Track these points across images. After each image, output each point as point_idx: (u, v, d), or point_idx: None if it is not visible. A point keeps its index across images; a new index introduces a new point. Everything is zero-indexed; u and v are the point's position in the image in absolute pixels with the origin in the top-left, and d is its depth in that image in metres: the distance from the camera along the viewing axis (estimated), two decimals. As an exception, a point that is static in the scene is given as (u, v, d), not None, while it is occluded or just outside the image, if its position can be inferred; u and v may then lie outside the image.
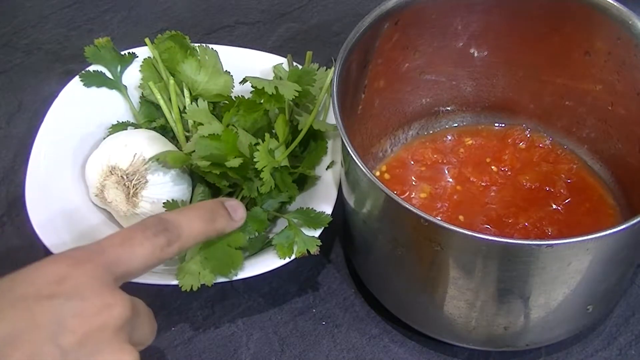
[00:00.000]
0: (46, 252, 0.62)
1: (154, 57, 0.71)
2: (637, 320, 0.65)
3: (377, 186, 0.52)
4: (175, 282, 0.59)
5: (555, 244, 0.49)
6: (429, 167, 0.69)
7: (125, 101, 0.72)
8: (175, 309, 0.65)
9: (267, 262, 0.61)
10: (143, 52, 0.73)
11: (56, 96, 0.70)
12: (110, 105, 0.72)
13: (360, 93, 0.64)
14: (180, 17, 0.89)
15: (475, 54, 0.68)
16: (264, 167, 0.60)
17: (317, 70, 0.68)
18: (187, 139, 0.67)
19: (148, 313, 0.49)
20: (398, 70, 0.67)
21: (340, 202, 0.64)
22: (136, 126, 0.71)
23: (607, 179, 0.68)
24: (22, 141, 0.76)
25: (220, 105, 0.67)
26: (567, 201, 0.66)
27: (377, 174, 0.69)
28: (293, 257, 0.61)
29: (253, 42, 0.85)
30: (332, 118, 0.63)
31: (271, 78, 0.71)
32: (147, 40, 0.72)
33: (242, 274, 0.60)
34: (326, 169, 0.67)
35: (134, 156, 0.64)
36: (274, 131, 0.65)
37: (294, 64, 0.72)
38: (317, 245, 0.61)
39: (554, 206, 0.66)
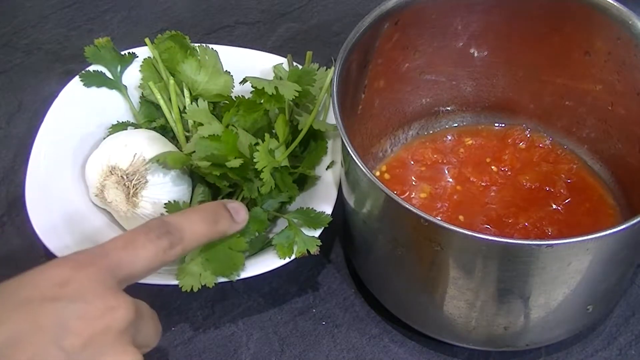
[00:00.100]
0: (46, 252, 0.62)
1: (154, 57, 0.71)
2: (637, 320, 0.65)
3: (377, 186, 0.52)
4: (175, 282, 0.59)
5: (555, 244, 0.49)
6: (429, 167, 0.69)
7: (125, 101, 0.72)
8: (175, 309, 0.65)
9: (267, 262, 0.61)
10: (143, 52, 0.73)
11: (56, 96, 0.70)
12: (110, 105, 0.72)
13: (360, 93, 0.64)
14: (180, 17, 0.89)
15: (475, 54, 0.68)
16: (264, 167, 0.60)
17: (317, 70, 0.68)
18: (187, 139, 0.67)
19: (152, 315, 0.50)
20: (398, 70, 0.67)
21: (340, 202, 0.64)
22: (136, 126, 0.71)
23: (607, 179, 0.68)
24: (22, 141, 0.76)
25: (220, 105, 0.67)
26: (567, 201, 0.66)
27: (377, 174, 0.69)
28: (293, 257, 0.61)
29: (253, 42, 0.85)
30: (332, 118, 0.63)
31: (271, 78, 0.71)
32: (147, 40, 0.72)
33: (242, 274, 0.60)
34: (326, 169, 0.67)
35: (134, 156, 0.64)
36: (274, 131, 0.65)
37: (294, 64, 0.72)
38: (317, 245, 0.61)
39: (554, 206, 0.66)
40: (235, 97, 0.65)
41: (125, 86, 0.72)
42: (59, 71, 0.83)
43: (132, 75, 0.72)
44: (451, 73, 0.69)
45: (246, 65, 0.71)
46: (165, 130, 0.70)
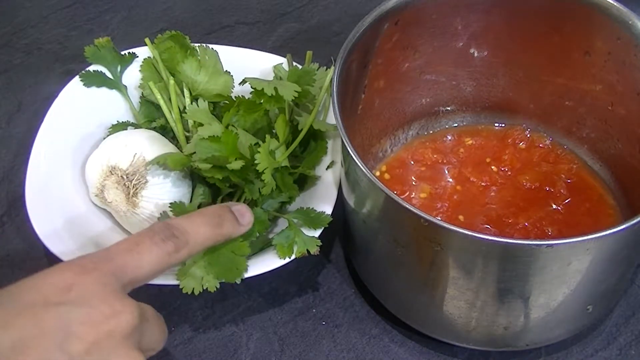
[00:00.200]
0: (46, 253, 0.62)
1: (154, 57, 0.71)
2: (637, 320, 0.65)
3: (377, 186, 0.52)
4: (175, 282, 0.59)
5: (555, 244, 0.49)
6: (429, 167, 0.69)
7: (125, 101, 0.72)
8: (175, 309, 0.65)
9: (267, 262, 0.61)
10: (143, 52, 0.73)
11: (56, 96, 0.70)
12: (110, 105, 0.72)
13: (360, 93, 0.64)
14: (180, 17, 0.89)
15: (475, 54, 0.68)
16: (265, 168, 0.60)
17: (317, 70, 0.68)
18: (187, 139, 0.67)
19: (157, 319, 0.50)
20: (398, 70, 0.67)
21: (340, 202, 0.64)
22: (136, 126, 0.71)
23: (607, 179, 0.68)
24: (22, 141, 0.76)
25: (220, 106, 0.67)
26: (567, 201, 0.66)
27: (377, 174, 0.69)
28: (293, 257, 0.61)
29: (253, 42, 0.85)
30: (332, 118, 0.63)
31: (271, 78, 0.71)
32: (147, 40, 0.72)
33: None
34: (326, 169, 0.67)
35: (134, 156, 0.64)
36: (274, 131, 0.65)
37: (294, 64, 0.72)
38: (317, 245, 0.61)
39: (554, 206, 0.66)
40: (235, 97, 0.65)
41: (125, 86, 0.72)
42: (59, 71, 0.83)
43: (132, 75, 0.72)
44: (451, 73, 0.69)
45: (246, 65, 0.71)
46: (165, 130, 0.70)
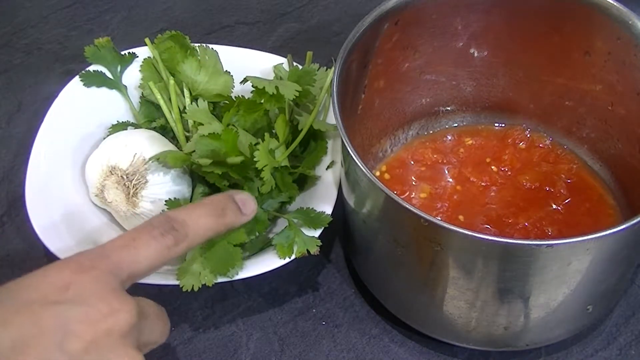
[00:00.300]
0: (46, 253, 0.62)
1: (154, 57, 0.71)
2: (637, 320, 0.65)
3: (377, 186, 0.52)
4: (175, 282, 0.59)
5: (555, 244, 0.49)
6: (429, 167, 0.69)
7: (125, 101, 0.72)
8: (175, 309, 0.65)
9: (267, 262, 0.61)
10: (143, 52, 0.73)
11: (56, 96, 0.70)
12: (110, 105, 0.72)
13: (360, 93, 0.64)
14: (180, 17, 0.89)
15: (475, 54, 0.68)
16: (265, 166, 0.60)
17: (317, 70, 0.68)
18: (187, 139, 0.67)
19: (158, 313, 0.49)
20: (398, 70, 0.67)
21: (340, 202, 0.64)
22: (136, 126, 0.71)
23: (607, 179, 0.68)
24: (22, 141, 0.76)
25: (220, 105, 0.67)
26: (567, 201, 0.66)
27: (377, 174, 0.69)
28: (293, 257, 0.61)
29: (253, 42, 0.85)
30: (332, 118, 0.63)
31: (271, 78, 0.71)
32: (147, 40, 0.72)
33: (242, 274, 0.60)
34: (326, 169, 0.67)
35: (134, 156, 0.64)
36: (274, 131, 0.65)
37: (294, 64, 0.72)
38: (317, 245, 0.61)
39: (554, 206, 0.66)
40: (235, 97, 0.65)
41: (125, 86, 0.72)
42: (59, 71, 0.83)
43: (132, 75, 0.72)
44: (451, 73, 0.69)
45: (246, 65, 0.71)
46: (165, 130, 0.70)
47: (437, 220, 0.50)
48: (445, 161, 0.69)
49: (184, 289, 0.59)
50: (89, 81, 0.71)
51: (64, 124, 0.69)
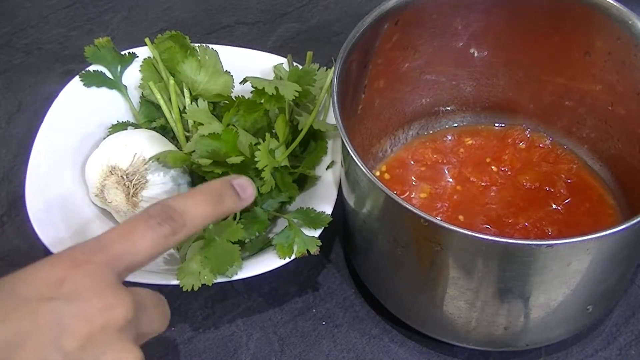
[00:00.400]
0: (46, 253, 0.62)
1: (154, 57, 0.71)
2: (637, 320, 0.65)
3: (377, 186, 0.52)
4: (175, 282, 0.59)
5: (555, 244, 0.49)
6: (429, 167, 0.69)
7: (125, 101, 0.72)
8: (175, 309, 0.65)
9: (267, 262, 0.61)
10: (143, 52, 0.73)
11: (56, 96, 0.70)
12: (110, 105, 0.72)
13: (360, 93, 0.64)
14: (180, 17, 0.89)
15: (475, 54, 0.68)
16: (265, 166, 0.60)
17: (317, 70, 0.68)
18: (187, 139, 0.67)
19: (157, 303, 0.49)
20: (398, 70, 0.67)
21: (340, 202, 0.64)
22: (136, 126, 0.71)
23: (607, 179, 0.68)
24: (22, 141, 0.76)
25: (220, 105, 0.67)
26: (567, 201, 0.66)
27: (377, 174, 0.69)
28: (293, 257, 0.61)
29: (253, 42, 0.85)
30: (332, 118, 0.63)
31: (271, 78, 0.71)
32: (147, 40, 0.72)
33: (242, 274, 0.60)
34: (326, 169, 0.67)
35: (134, 156, 0.64)
36: (274, 131, 0.65)
37: (294, 64, 0.72)
38: (317, 245, 0.61)
39: (554, 206, 0.66)
40: (235, 97, 0.65)
41: (125, 86, 0.72)
42: (59, 71, 0.83)
43: (132, 75, 0.72)
44: (451, 73, 0.69)
45: (246, 65, 0.71)
46: (165, 130, 0.70)
47: (437, 220, 0.50)
48: (445, 161, 0.69)
49: (184, 289, 0.59)
50: (89, 81, 0.71)
51: (64, 124, 0.69)
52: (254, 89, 0.63)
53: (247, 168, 0.61)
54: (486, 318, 0.57)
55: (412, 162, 0.70)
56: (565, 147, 0.70)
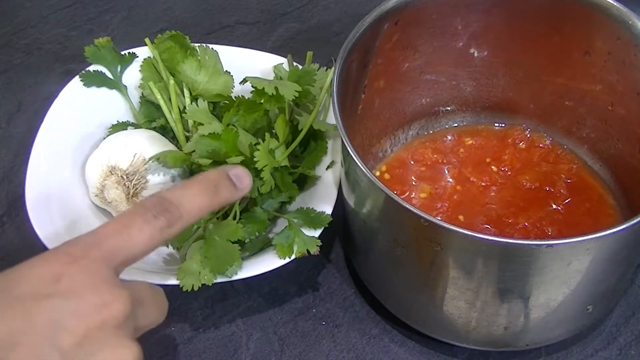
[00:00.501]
0: (46, 252, 0.62)
1: (154, 57, 0.71)
2: (637, 320, 0.65)
3: (377, 186, 0.52)
4: (175, 282, 0.59)
5: (555, 244, 0.49)
6: (429, 167, 0.69)
7: (125, 101, 0.72)
8: (175, 309, 0.65)
9: (267, 262, 0.61)
10: (143, 52, 0.73)
11: (56, 96, 0.70)
12: (110, 105, 0.72)
13: (360, 93, 0.64)
14: (180, 17, 0.89)
15: (475, 54, 0.68)
16: (265, 166, 0.60)
17: (317, 70, 0.68)
18: (187, 139, 0.67)
19: (154, 296, 0.48)
20: (398, 70, 0.67)
21: (340, 202, 0.64)
22: (136, 126, 0.71)
23: (607, 179, 0.68)
24: (22, 141, 0.76)
25: (220, 105, 0.67)
26: (567, 201, 0.66)
27: (377, 174, 0.69)
28: (293, 257, 0.61)
29: (253, 42, 0.85)
30: (332, 118, 0.63)
31: (271, 78, 0.71)
32: (147, 40, 0.72)
33: (242, 274, 0.60)
34: (326, 169, 0.67)
35: (134, 156, 0.64)
36: (274, 131, 0.65)
37: (294, 64, 0.72)
38: (317, 245, 0.61)
39: (554, 206, 0.66)
40: (235, 97, 0.65)
41: (125, 86, 0.72)
42: (59, 71, 0.83)
43: (132, 75, 0.72)
44: (451, 73, 0.69)
45: (246, 65, 0.71)
46: (165, 130, 0.70)
47: (437, 220, 0.50)
48: (445, 161, 0.69)
49: (184, 289, 0.59)
50: (89, 81, 0.71)
51: (64, 124, 0.69)
52: (254, 89, 0.63)
53: (247, 168, 0.61)
54: (486, 318, 0.57)
55: (412, 162, 0.70)
56: (565, 147, 0.70)
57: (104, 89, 0.72)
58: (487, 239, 0.49)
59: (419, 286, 0.58)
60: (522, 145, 0.70)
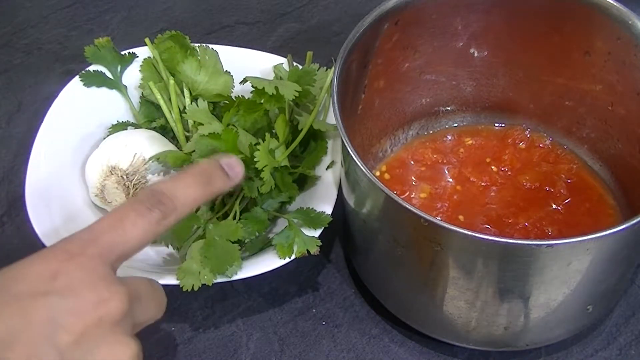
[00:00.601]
0: (46, 252, 0.62)
1: (154, 57, 0.71)
2: (637, 320, 0.65)
3: (377, 186, 0.52)
4: (175, 282, 0.59)
5: (555, 244, 0.49)
6: (429, 167, 0.69)
7: (125, 101, 0.72)
8: (175, 309, 0.65)
9: (267, 262, 0.61)
10: (143, 52, 0.73)
11: (56, 96, 0.70)
12: (110, 105, 0.72)
13: (360, 93, 0.64)
14: (180, 17, 0.89)
15: (475, 54, 0.68)
16: (265, 166, 0.60)
17: (317, 70, 0.68)
18: (187, 139, 0.67)
19: (152, 292, 0.48)
20: (398, 70, 0.67)
21: (340, 202, 0.64)
22: (136, 126, 0.71)
23: (607, 179, 0.68)
24: (22, 141, 0.76)
25: (220, 105, 0.67)
26: (567, 201, 0.66)
27: (377, 174, 0.69)
28: (293, 257, 0.61)
29: (253, 42, 0.85)
30: (332, 118, 0.63)
31: (271, 78, 0.71)
32: (147, 40, 0.72)
33: (242, 274, 0.60)
34: (326, 169, 0.67)
35: (134, 156, 0.64)
36: (274, 131, 0.65)
37: (294, 64, 0.72)
38: (317, 245, 0.61)
39: (554, 206, 0.66)
40: (235, 97, 0.65)
41: (125, 86, 0.72)
42: (59, 71, 0.83)
43: (132, 75, 0.72)
44: (451, 73, 0.69)
45: (246, 65, 0.71)
46: (165, 130, 0.70)
47: (437, 220, 0.50)
48: (445, 161, 0.69)
49: (184, 289, 0.59)
50: (89, 81, 0.71)
51: (64, 124, 0.69)
52: (254, 89, 0.63)
53: (247, 168, 0.61)
54: (486, 318, 0.57)
55: (412, 162, 0.70)
56: (565, 147, 0.70)
57: (104, 89, 0.72)
58: (487, 239, 0.49)
59: (419, 286, 0.58)
60: (522, 145, 0.70)
